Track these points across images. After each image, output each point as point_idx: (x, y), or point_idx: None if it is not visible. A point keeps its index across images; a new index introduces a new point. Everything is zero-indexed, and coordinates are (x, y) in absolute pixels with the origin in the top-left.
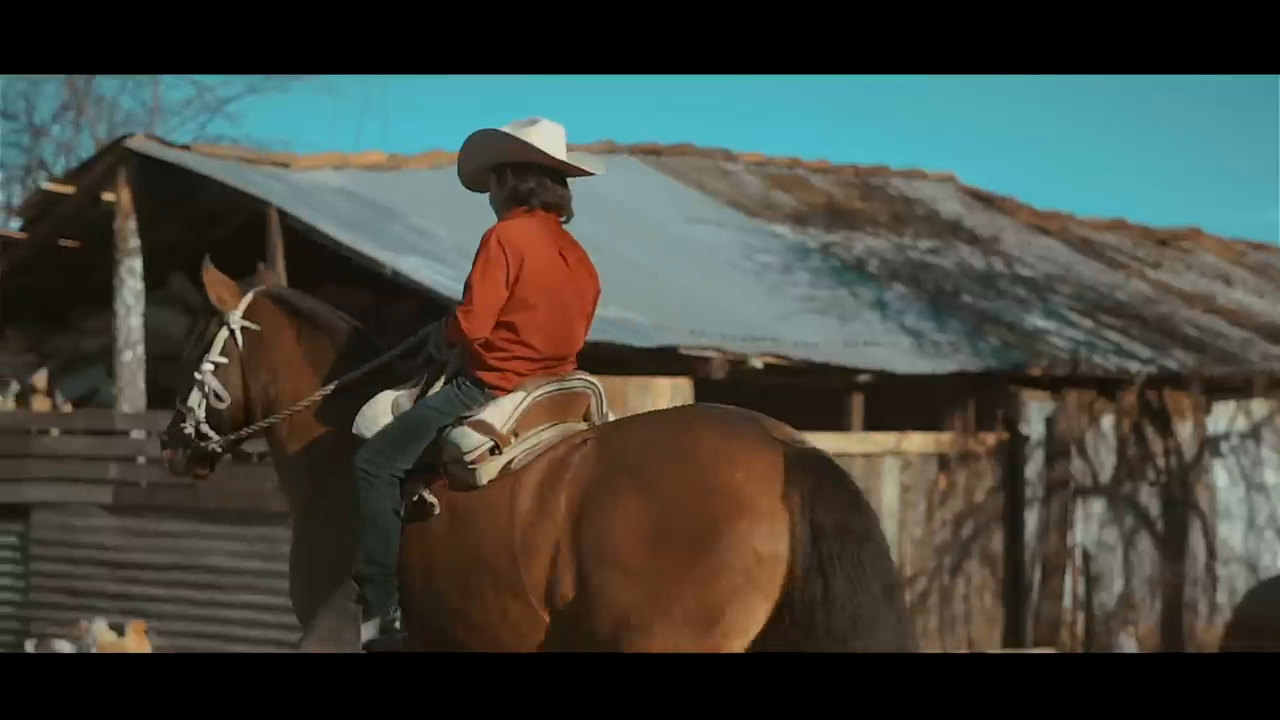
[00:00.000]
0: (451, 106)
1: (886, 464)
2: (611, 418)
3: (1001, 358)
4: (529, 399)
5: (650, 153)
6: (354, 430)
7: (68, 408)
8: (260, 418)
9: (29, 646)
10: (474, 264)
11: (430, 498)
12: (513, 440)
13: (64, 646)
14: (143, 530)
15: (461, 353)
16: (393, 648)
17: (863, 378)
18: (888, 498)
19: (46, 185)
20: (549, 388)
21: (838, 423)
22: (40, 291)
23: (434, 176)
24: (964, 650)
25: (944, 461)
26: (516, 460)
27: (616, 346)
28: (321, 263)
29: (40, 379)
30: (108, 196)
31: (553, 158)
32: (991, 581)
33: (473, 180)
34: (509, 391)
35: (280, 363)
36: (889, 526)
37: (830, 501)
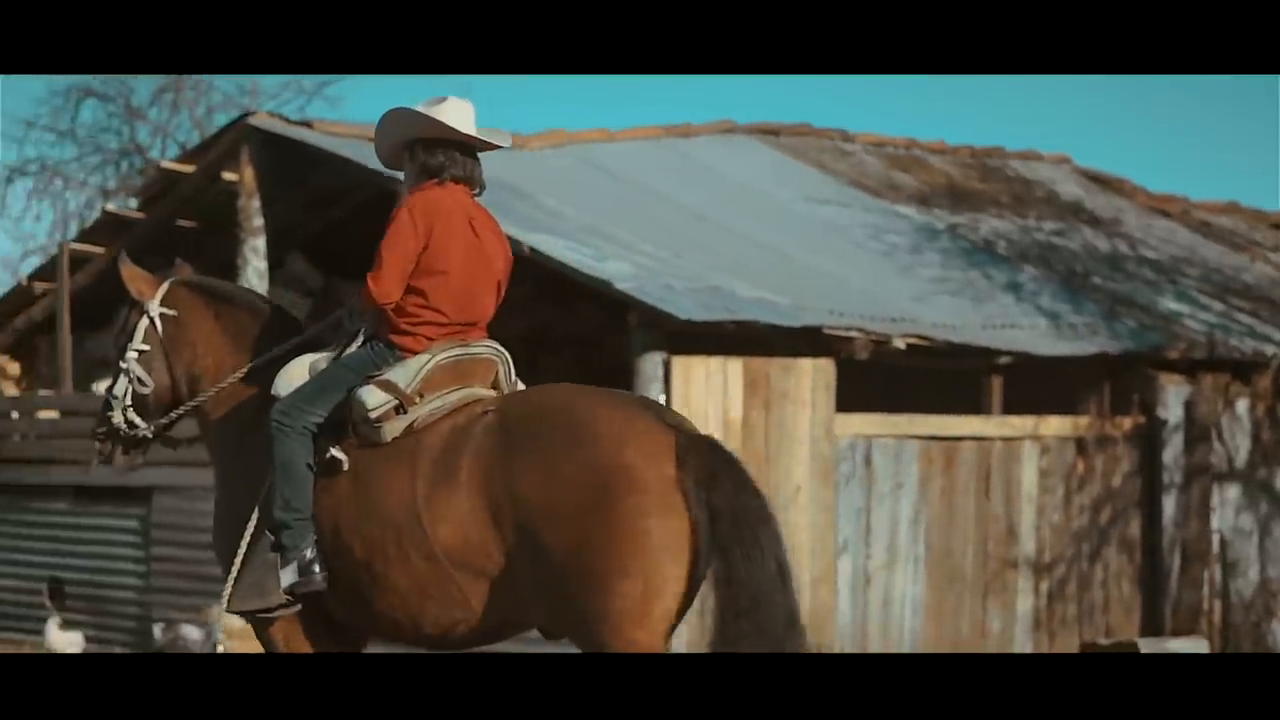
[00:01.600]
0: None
1: (1025, 448)
2: (520, 386)
3: (1139, 340)
4: (433, 361)
5: (769, 133)
6: (272, 390)
7: None
8: (185, 395)
9: (156, 632)
10: (385, 233)
11: (338, 454)
12: (418, 400)
13: (192, 632)
14: None
15: (376, 317)
16: (313, 588)
17: (1003, 359)
18: (1026, 482)
19: (166, 164)
20: (455, 352)
21: (973, 405)
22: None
23: (556, 156)
24: (1105, 640)
25: (1081, 445)
26: (420, 420)
27: (760, 326)
28: None
29: None
30: (228, 175)
31: (459, 132)
32: (1129, 569)
33: (390, 158)
34: (418, 353)
35: (200, 342)
36: (1027, 511)
37: (724, 486)
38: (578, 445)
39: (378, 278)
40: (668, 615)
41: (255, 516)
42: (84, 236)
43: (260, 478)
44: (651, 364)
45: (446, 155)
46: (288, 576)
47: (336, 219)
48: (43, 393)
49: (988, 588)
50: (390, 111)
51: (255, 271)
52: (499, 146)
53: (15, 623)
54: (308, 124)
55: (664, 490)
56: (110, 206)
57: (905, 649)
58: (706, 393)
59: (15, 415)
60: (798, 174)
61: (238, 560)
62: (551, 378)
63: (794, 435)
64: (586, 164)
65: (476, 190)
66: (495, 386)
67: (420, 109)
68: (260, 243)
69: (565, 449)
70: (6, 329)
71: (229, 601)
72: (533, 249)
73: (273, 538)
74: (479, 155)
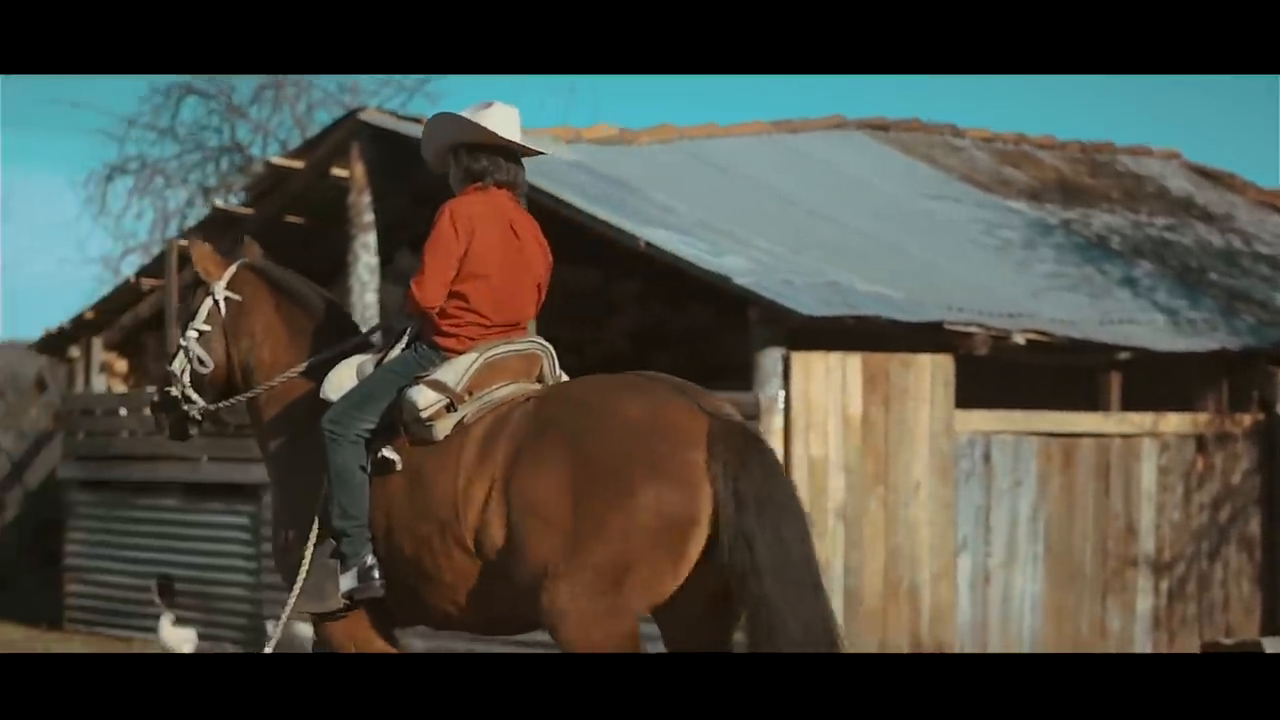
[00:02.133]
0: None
1: (1144, 445)
2: (565, 379)
3: (1258, 336)
4: (481, 359)
5: (878, 128)
6: (321, 395)
7: None
8: (241, 382)
9: (270, 628)
10: (428, 239)
11: (391, 455)
12: (467, 398)
13: (305, 630)
14: None
15: (420, 321)
16: (371, 594)
17: (1122, 355)
18: (1146, 480)
19: (275, 160)
20: (501, 349)
21: (1087, 402)
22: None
23: (666, 151)
24: (1227, 639)
25: (1201, 443)
26: (469, 417)
27: (881, 322)
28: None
29: None
30: (337, 171)
31: (502, 138)
32: (1249, 567)
33: (435, 161)
34: (462, 353)
35: (260, 331)
36: (1146, 510)
37: (752, 473)
38: (606, 431)
39: (421, 283)
40: (644, 608)
41: (315, 523)
42: (192, 233)
43: (316, 479)
44: (771, 360)
45: (490, 160)
46: (347, 582)
47: None
48: (150, 389)
49: (1107, 586)
50: (436, 115)
51: (366, 267)
52: (541, 153)
53: (125, 620)
54: (416, 119)
55: (688, 478)
56: (219, 203)
57: (1024, 647)
58: (826, 389)
59: (124, 412)
60: (908, 169)
61: (304, 564)
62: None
63: (913, 432)
64: (696, 159)
65: (519, 194)
66: (540, 381)
67: (466, 114)
68: (371, 238)
69: (594, 435)
70: (114, 326)
71: (292, 604)
72: (648, 244)
73: (332, 543)
74: (523, 160)
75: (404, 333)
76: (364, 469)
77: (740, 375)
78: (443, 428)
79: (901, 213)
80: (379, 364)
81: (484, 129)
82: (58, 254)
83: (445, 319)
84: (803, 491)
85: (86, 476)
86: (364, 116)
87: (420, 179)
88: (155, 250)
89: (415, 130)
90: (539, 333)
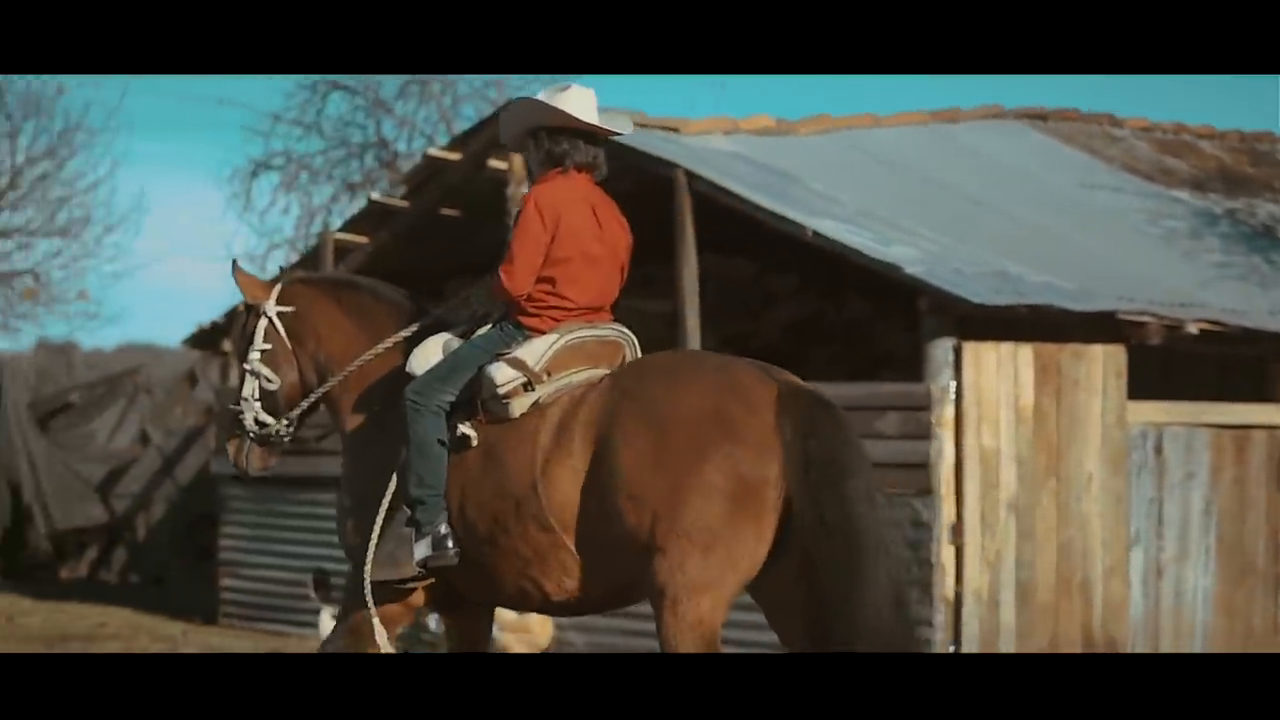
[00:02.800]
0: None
1: None
2: None
3: None
4: (561, 341)
5: (1036, 117)
6: (407, 369)
7: None
8: (315, 384)
9: (432, 623)
10: (514, 226)
11: (468, 430)
12: (545, 379)
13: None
14: None
15: (507, 302)
16: (445, 562)
17: None
18: None
19: (432, 152)
20: (582, 333)
21: (1254, 393)
22: (417, 262)
23: (824, 142)
24: None
25: None
26: (545, 398)
27: (1054, 311)
28: (703, 230)
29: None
30: (494, 163)
31: (581, 120)
32: None
33: (515, 144)
34: (545, 333)
35: (323, 328)
36: None
37: (822, 433)
38: (679, 398)
39: (509, 271)
40: (736, 588)
41: (390, 491)
42: (348, 226)
43: (394, 453)
44: (941, 350)
45: (570, 143)
46: (421, 550)
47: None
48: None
49: (1279, 581)
50: (516, 99)
51: None
52: (620, 134)
53: (280, 614)
54: None
55: (761, 438)
56: (375, 195)
57: (1197, 643)
58: (998, 379)
59: None
60: (1068, 159)
61: (374, 534)
62: (820, 368)
63: (1085, 423)
64: (855, 149)
65: (598, 175)
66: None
67: (544, 97)
68: None
69: (667, 402)
70: None
71: (366, 571)
72: (815, 233)
73: (408, 512)
74: (601, 142)
75: (488, 315)
76: (442, 441)
77: (900, 367)
78: (518, 406)
79: (1064, 203)
80: (466, 341)
81: (562, 112)
82: (204, 252)
83: (530, 301)
84: (974, 483)
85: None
86: None
87: None
88: (301, 246)
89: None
90: (701, 326)
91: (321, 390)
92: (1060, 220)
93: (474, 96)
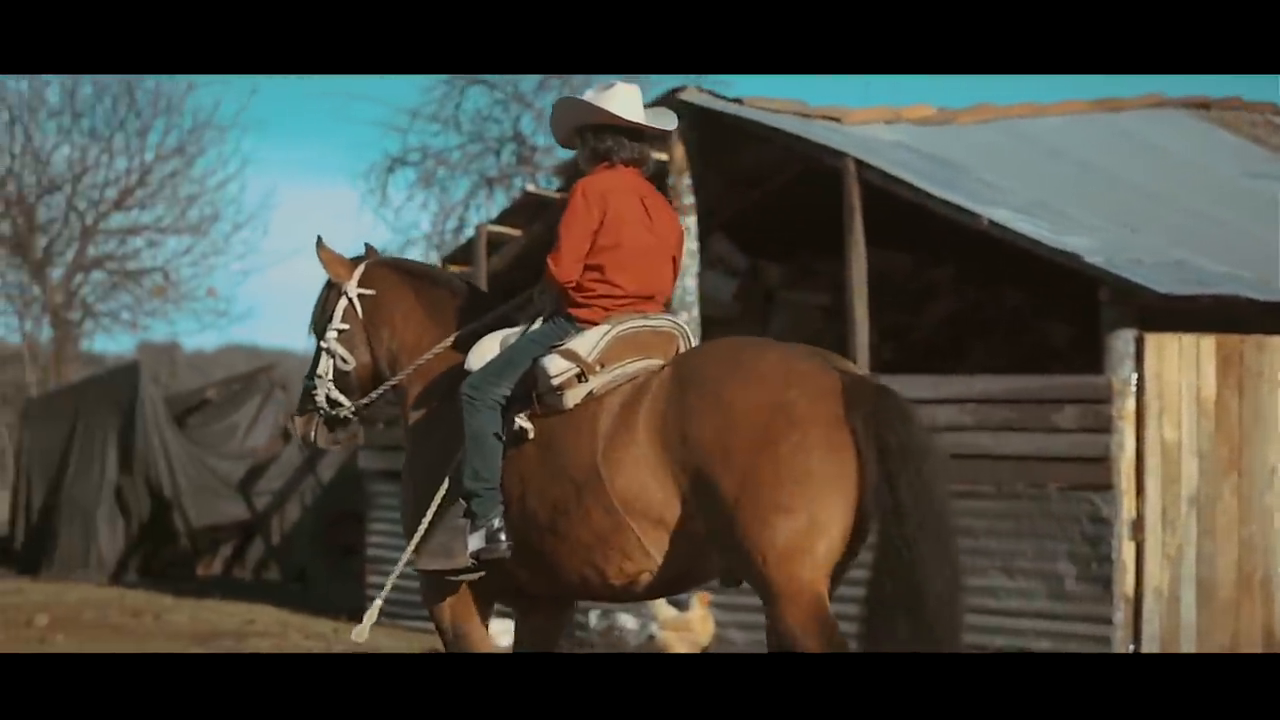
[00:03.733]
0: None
1: None
2: None
3: None
4: (613, 332)
5: (1199, 106)
6: (466, 365)
7: None
8: (386, 371)
9: (593, 619)
10: (562, 216)
11: (525, 423)
12: (598, 370)
13: (628, 621)
14: None
15: (558, 294)
16: (498, 555)
17: None
18: None
19: None
20: (635, 324)
21: None
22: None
23: (986, 131)
24: None
25: None
26: (599, 387)
27: (1239, 301)
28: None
29: None
30: (653, 154)
31: (623, 119)
32: None
33: (566, 141)
34: (597, 324)
35: (399, 318)
36: None
37: (891, 422)
38: (745, 385)
39: (557, 259)
40: (832, 552)
41: (447, 482)
42: (502, 218)
43: (453, 445)
44: (1122, 341)
45: (615, 140)
46: (475, 542)
47: (758, 200)
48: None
49: None
50: (562, 99)
51: (686, 252)
52: (664, 130)
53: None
54: (738, 100)
55: (829, 426)
56: (530, 187)
57: None
58: (1179, 370)
59: None
60: (1234, 148)
61: (424, 522)
62: (979, 360)
63: (1269, 416)
64: (1018, 139)
65: (646, 170)
66: None
67: (590, 95)
68: (691, 222)
69: (733, 389)
70: None
71: (419, 562)
72: (992, 222)
73: (463, 504)
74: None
75: (543, 308)
76: (498, 435)
77: (1061, 359)
78: (572, 396)
79: (1233, 192)
80: (521, 335)
81: (605, 111)
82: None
83: (580, 291)
84: (1155, 478)
85: (387, 467)
86: (685, 96)
87: (737, 163)
88: (437, 241)
89: (737, 111)
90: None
91: (391, 382)
92: (1230, 209)
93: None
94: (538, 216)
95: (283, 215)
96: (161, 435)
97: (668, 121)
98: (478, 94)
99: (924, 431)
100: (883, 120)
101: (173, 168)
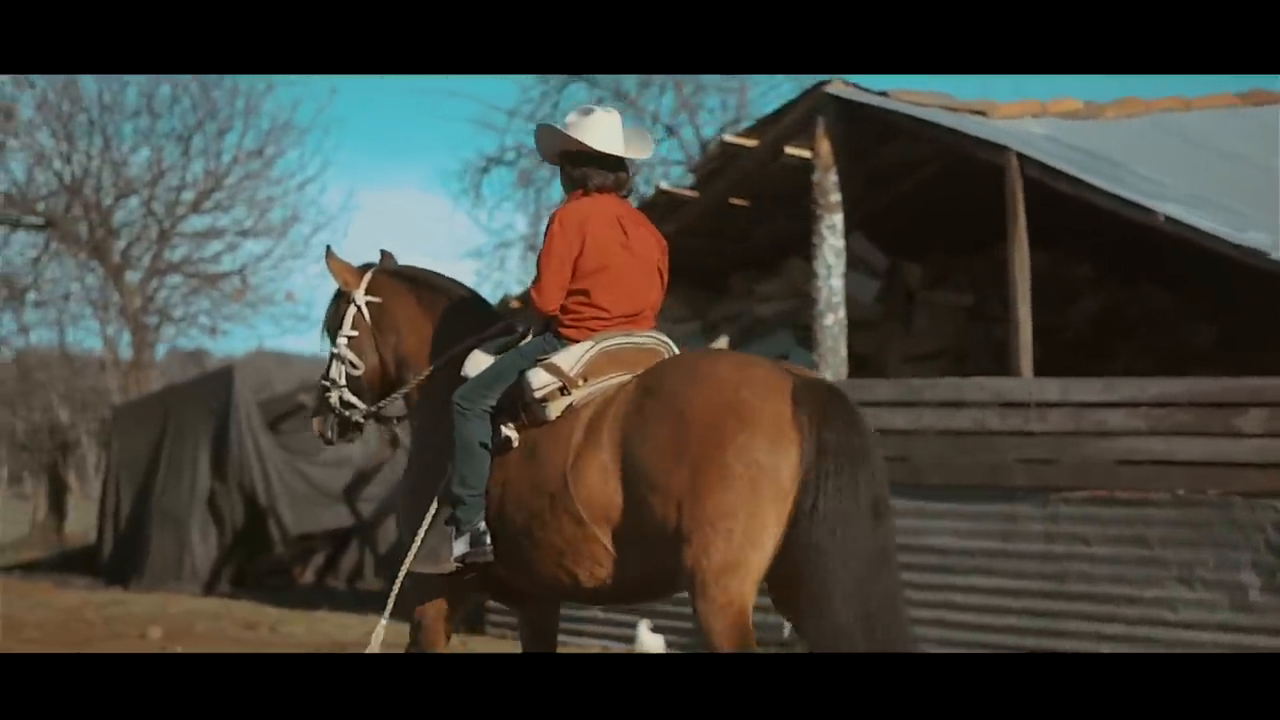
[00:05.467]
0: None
1: None
2: None
3: None
4: (596, 348)
5: None
6: (462, 373)
7: None
8: (393, 373)
9: (787, 630)
10: (542, 247)
11: (510, 432)
12: (580, 384)
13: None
14: None
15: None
16: (482, 559)
17: None
18: None
19: (729, 138)
20: (618, 340)
21: None
22: (701, 254)
23: (1134, 125)
24: None
25: None
26: (579, 400)
27: None
28: (998, 218)
29: (721, 346)
30: (792, 151)
31: (595, 149)
32: None
33: (551, 163)
34: (581, 342)
35: (403, 324)
36: None
37: (834, 423)
38: (699, 388)
39: (539, 289)
40: (764, 565)
41: (440, 488)
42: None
43: (444, 453)
44: None
45: (589, 168)
46: (460, 546)
47: (898, 196)
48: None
49: None
50: (542, 126)
51: (832, 250)
52: (638, 158)
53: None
54: (883, 93)
55: (776, 425)
56: (663, 185)
57: None
58: None
59: None
60: None
61: (422, 527)
62: (1122, 361)
63: None
64: (1165, 132)
65: (623, 194)
66: None
67: (569, 119)
68: (838, 220)
69: (688, 393)
70: None
71: (410, 564)
72: (1168, 218)
73: (450, 510)
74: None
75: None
76: (485, 444)
77: (1208, 361)
78: (555, 408)
79: None
80: (512, 349)
81: (576, 140)
82: (425, 250)
83: (568, 313)
84: None
85: None
86: (831, 89)
87: (879, 159)
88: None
89: (891, 105)
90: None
91: (401, 391)
92: None
93: (717, 86)
94: (669, 216)
95: (364, 217)
96: (256, 442)
97: (641, 149)
98: (577, 91)
99: (867, 437)
100: (1030, 114)
101: (251, 169)
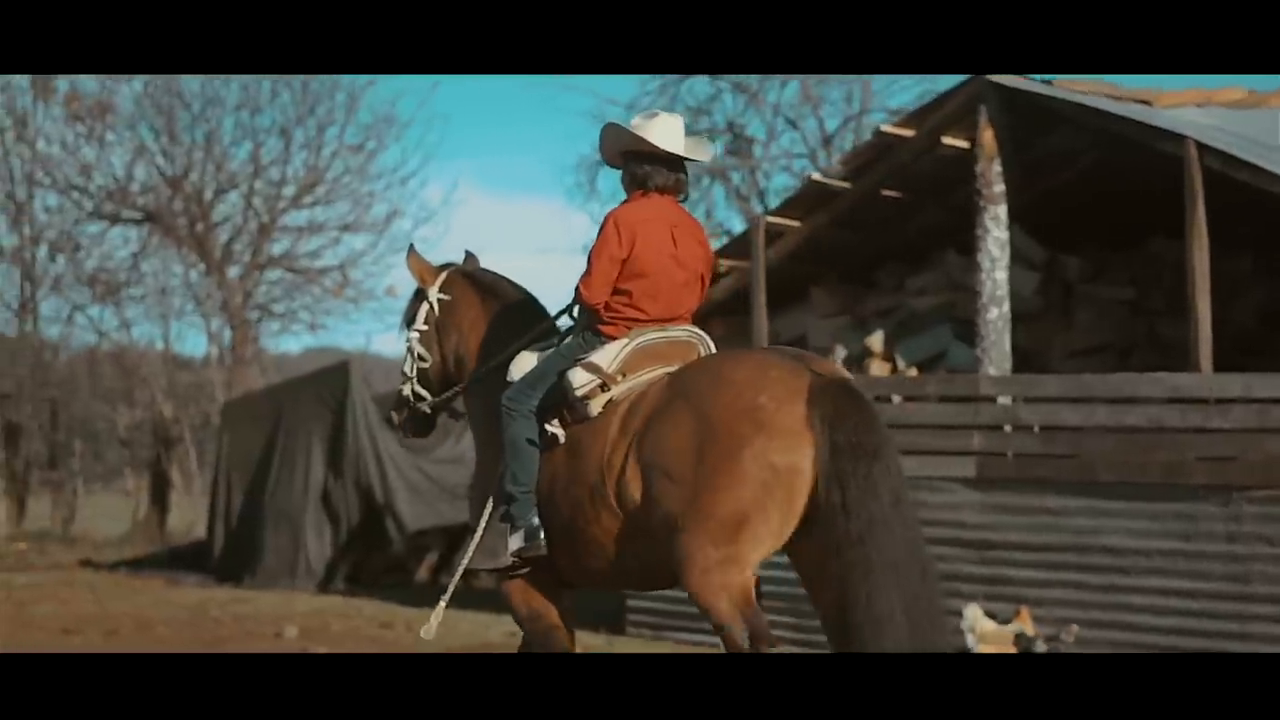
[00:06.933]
0: None
1: None
2: None
3: None
4: (632, 344)
5: None
6: (508, 376)
7: (911, 372)
8: (455, 371)
9: (969, 640)
10: (594, 243)
11: (555, 430)
12: (619, 379)
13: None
14: (1014, 506)
15: (587, 312)
16: (536, 553)
17: None
18: None
19: (885, 128)
20: (653, 336)
21: None
22: (849, 246)
23: None
24: None
25: None
26: (617, 395)
27: None
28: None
29: (877, 342)
30: (949, 141)
31: (660, 149)
32: None
33: (611, 164)
34: (617, 339)
35: (466, 323)
36: None
37: (847, 423)
38: (721, 392)
39: (587, 283)
40: (758, 561)
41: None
42: (782, 209)
43: (501, 452)
44: None
45: (652, 167)
46: (514, 542)
47: (1055, 187)
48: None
49: None
50: (606, 126)
51: (996, 242)
52: (701, 160)
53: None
54: (1048, 82)
55: (791, 429)
56: (815, 176)
57: None
58: None
59: None
60: None
61: (480, 526)
62: None
63: None
64: None
65: (680, 197)
66: None
67: (635, 122)
68: (1001, 211)
69: (711, 397)
70: None
71: (468, 560)
72: None
73: (504, 507)
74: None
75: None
76: (533, 442)
77: None
78: (596, 405)
79: None
80: (554, 350)
81: (645, 140)
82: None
83: (609, 310)
84: None
85: None
86: (995, 78)
87: (1037, 150)
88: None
89: (1055, 93)
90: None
91: (457, 390)
92: None
93: (840, 78)
94: (820, 207)
95: (468, 212)
96: (373, 437)
97: (703, 153)
98: (697, 83)
99: (879, 434)
100: (1194, 103)
101: (352, 164)
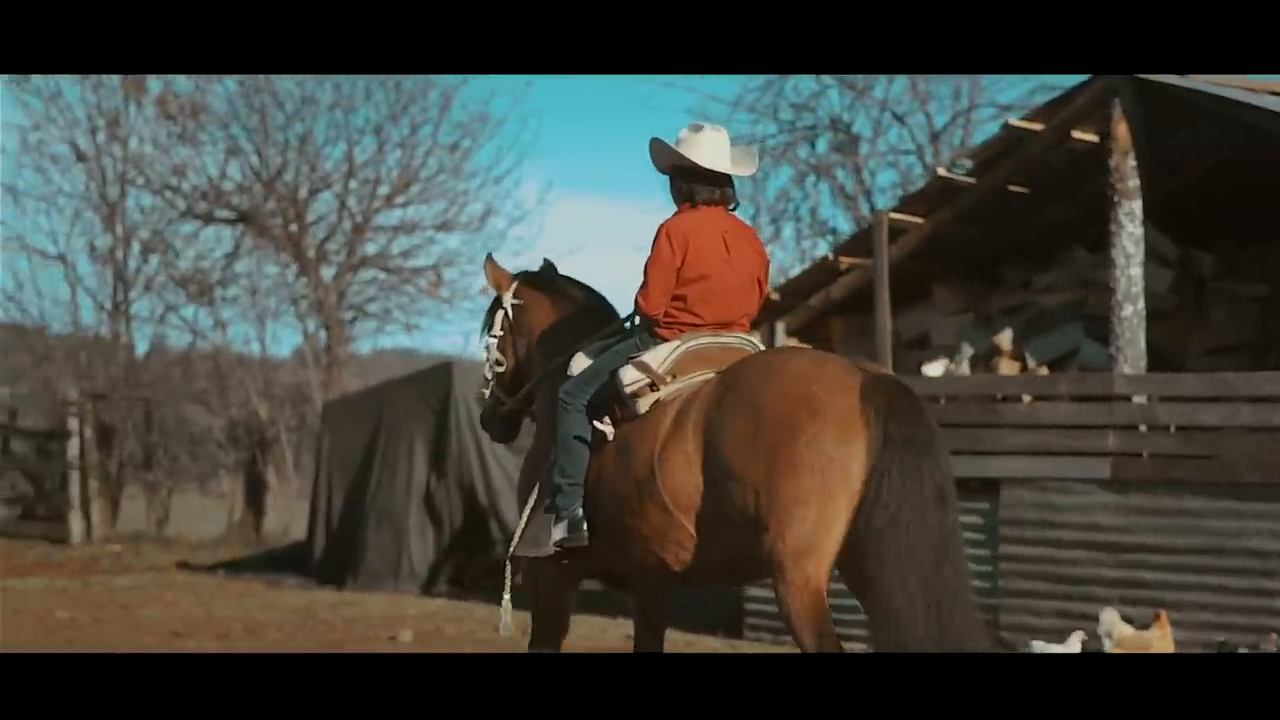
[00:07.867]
0: None
1: None
2: None
3: None
4: (684, 347)
5: None
6: (567, 372)
7: (1042, 371)
8: (528, 374)
9: (1036, 646)
10: (650, 255)
11: (604, 426)
12: (669, 380)
13: (1074, 644)
14: (1151, 508)
15: (646, 319)
16: (578, 544)
17: None
18: None
19: (1014, 122)
20: (705, 340)
21: None
22: (973, 242)
23: None
24: None
25: None
26: (666, 395)
27: None
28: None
29: (1005, 340)
30: (1079, 135)
31: (703, 166)
32: None
33: (664, 173)
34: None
35: (537, 327)
36: None
37: (899, 415)
38: (774, 384)
39: (646, 295)
40: (836, 546)
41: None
42: (905, 205)
43: (550, 445)
44: None
45: (698, 184)
46: (558, 532)
47: (1186, 182)
48: None
49: None
50: (652, 141)
51: (1130, 238)
52: (745, 174)
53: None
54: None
55: (845, 419)
56: (942, 171)
57: None
58: None
59: None
60: None
61: (524, 514)
62: None
63: None
64: None
65: (731, 207)
66: None
67: (681, 135)
68: (1136, 206)
69: (764, 388)
70: (798, 309)
71: (513, 548)
72: None
73: (550, 498)
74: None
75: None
76: (582, 437)
77: None
78: (645, 403)
79: None
80: (611, 349)
81: (686, 158)
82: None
83: (666, 316)
84: None
85: None
86: None
87: (1169, 144)
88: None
89: (1193, 85)
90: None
91: (527, 388)
92: None
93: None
94: (943, 202)
95: (562, 211)
96: (476, 438)
97: (748, 167)
98: (801, 80)
99: (930, 429)
100: (1257, 91)
101: (446, 163)
